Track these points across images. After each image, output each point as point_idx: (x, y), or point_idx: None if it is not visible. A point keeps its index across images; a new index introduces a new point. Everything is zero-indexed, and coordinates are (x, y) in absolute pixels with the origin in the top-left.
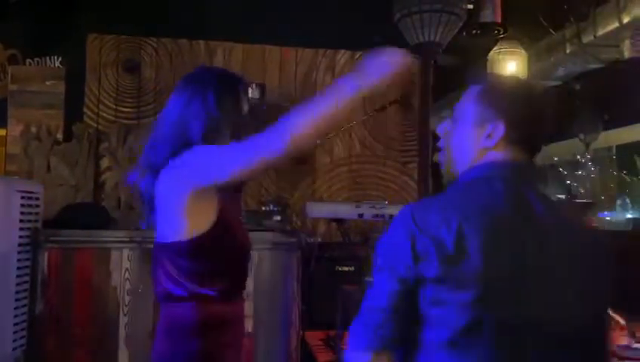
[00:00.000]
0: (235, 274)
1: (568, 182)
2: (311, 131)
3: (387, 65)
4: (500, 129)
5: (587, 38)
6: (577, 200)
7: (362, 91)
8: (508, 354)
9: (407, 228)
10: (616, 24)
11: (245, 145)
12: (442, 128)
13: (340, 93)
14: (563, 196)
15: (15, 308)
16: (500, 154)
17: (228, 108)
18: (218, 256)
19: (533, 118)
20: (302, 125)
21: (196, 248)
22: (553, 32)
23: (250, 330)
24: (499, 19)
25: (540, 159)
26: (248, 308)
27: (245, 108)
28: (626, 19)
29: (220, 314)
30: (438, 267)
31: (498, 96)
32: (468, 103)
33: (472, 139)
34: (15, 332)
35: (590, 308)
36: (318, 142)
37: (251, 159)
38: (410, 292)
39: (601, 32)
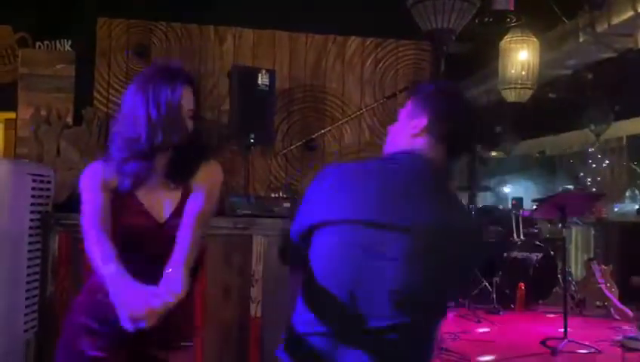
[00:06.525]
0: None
1: (580, 173)
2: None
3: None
4: (423, 121)
5: (601, 27)
6: (587, 191)
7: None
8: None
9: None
10: (631, 12)
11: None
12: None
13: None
14: (572, 187)
15: (26, 291)
16: (420, 143)
17: (166, 103)
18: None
19: (453, 118)
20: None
21: None
22: (566, 21)
23: (258, 314)
24: (512, 7)
25: (549, 150)
26: (257, 291)
27: (185, 102)
28: None
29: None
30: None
31: (429, 96)
32: (408, 102)
33: (404, 129)
34: (26, 315)
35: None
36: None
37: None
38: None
39: (615, 20)
